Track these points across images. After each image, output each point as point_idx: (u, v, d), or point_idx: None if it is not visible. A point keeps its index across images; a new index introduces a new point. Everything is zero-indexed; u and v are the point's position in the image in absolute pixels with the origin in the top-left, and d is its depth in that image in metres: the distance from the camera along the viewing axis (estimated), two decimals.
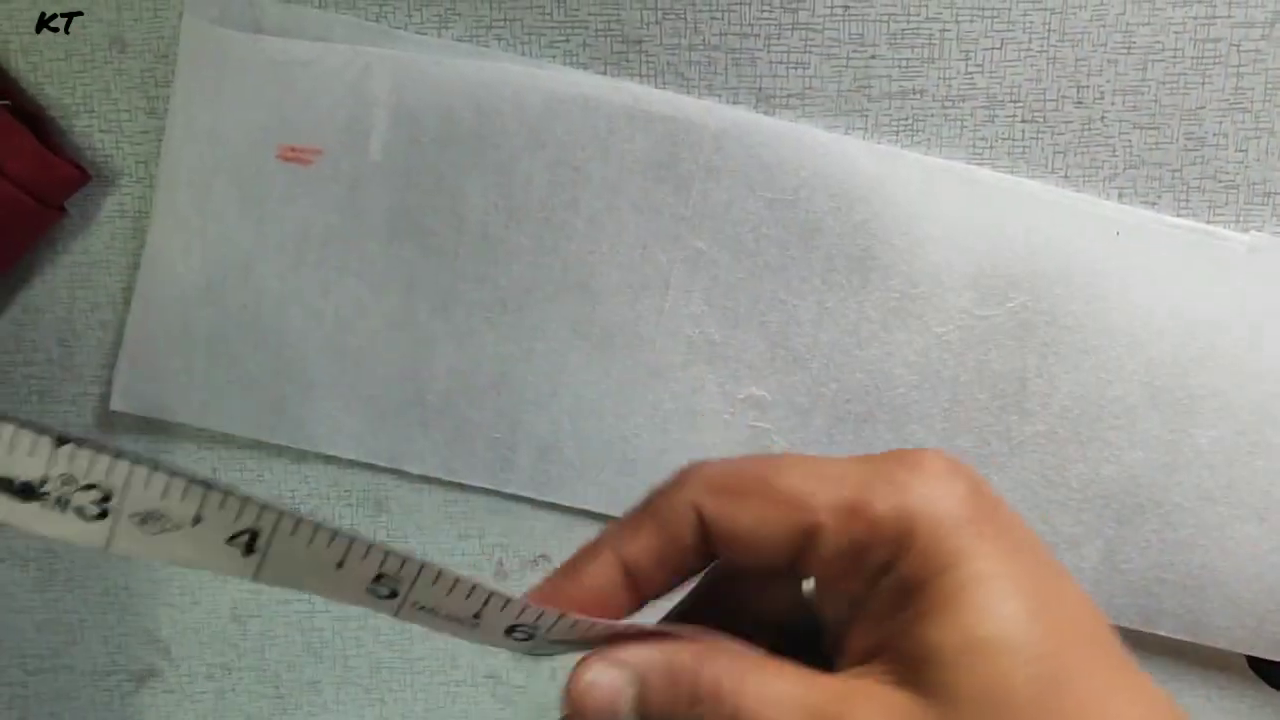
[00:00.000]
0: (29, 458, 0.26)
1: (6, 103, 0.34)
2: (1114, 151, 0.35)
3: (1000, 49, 0.34)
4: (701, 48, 0.35)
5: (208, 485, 0.26)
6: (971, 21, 0.34)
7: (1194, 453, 0.35)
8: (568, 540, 0.38)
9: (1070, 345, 0.35)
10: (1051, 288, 0.35)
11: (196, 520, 0.26)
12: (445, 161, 0.35)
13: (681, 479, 0.27)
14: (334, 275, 0.36)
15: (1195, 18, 0.34)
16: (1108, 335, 0.35)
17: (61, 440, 0.26)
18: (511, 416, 0.36)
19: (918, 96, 0.35)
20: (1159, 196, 0.35)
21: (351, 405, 0.36)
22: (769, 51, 0.34)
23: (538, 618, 0.27)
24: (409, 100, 0.34)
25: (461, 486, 0.37)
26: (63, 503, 0.26)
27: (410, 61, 0.34)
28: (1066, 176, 0.35)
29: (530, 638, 0.27)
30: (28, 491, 0.26)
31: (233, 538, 0.26)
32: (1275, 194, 0.35)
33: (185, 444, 0.38)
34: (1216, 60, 0.34)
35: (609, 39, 0.35)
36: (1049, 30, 0.34)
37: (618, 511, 0.36)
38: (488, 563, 0.38)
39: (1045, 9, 0.34)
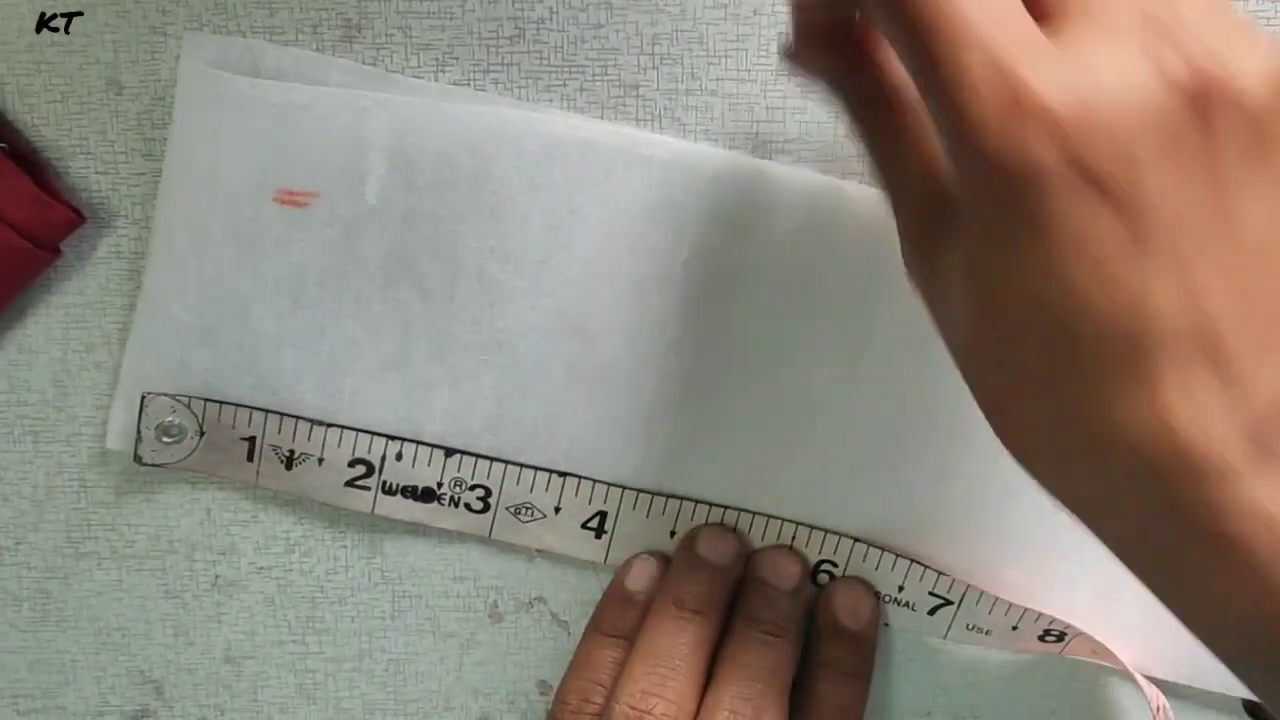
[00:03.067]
0: (427, 468, 0.36)
1: (3, 145, 0.34)
2: None
3: None
4: (699, 93, 0.35)
5: (564, 475, 0.36)
6: None
7: None
8: (562, 583, 0.38)
9: None
10: None
11: (557, 509, 0.36)
12: (442, 205, 0.35)
13: None
14: (330, 317, 0.36)
15: None
16: None
17: (450, 452, 0.36)
18: (506, 459, 0.36)
19: None
20: None
21: None
22: (766, 97, 0.34)
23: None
24: (405, 144, 0.34)
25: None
26: (455, 501, 0.36)
27: (407, 106, 0.34)
28: None
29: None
30: (428, 495, 0.36)
31: (585, 523, 0.36)
32: None
33: (180, 485, 0.38)
34: None
35: (606, 84, 0.35)
36: None
37: (615, 558, 0.36)
38: (482, 604, 0.38)
39: None
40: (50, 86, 0.35)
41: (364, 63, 0.35)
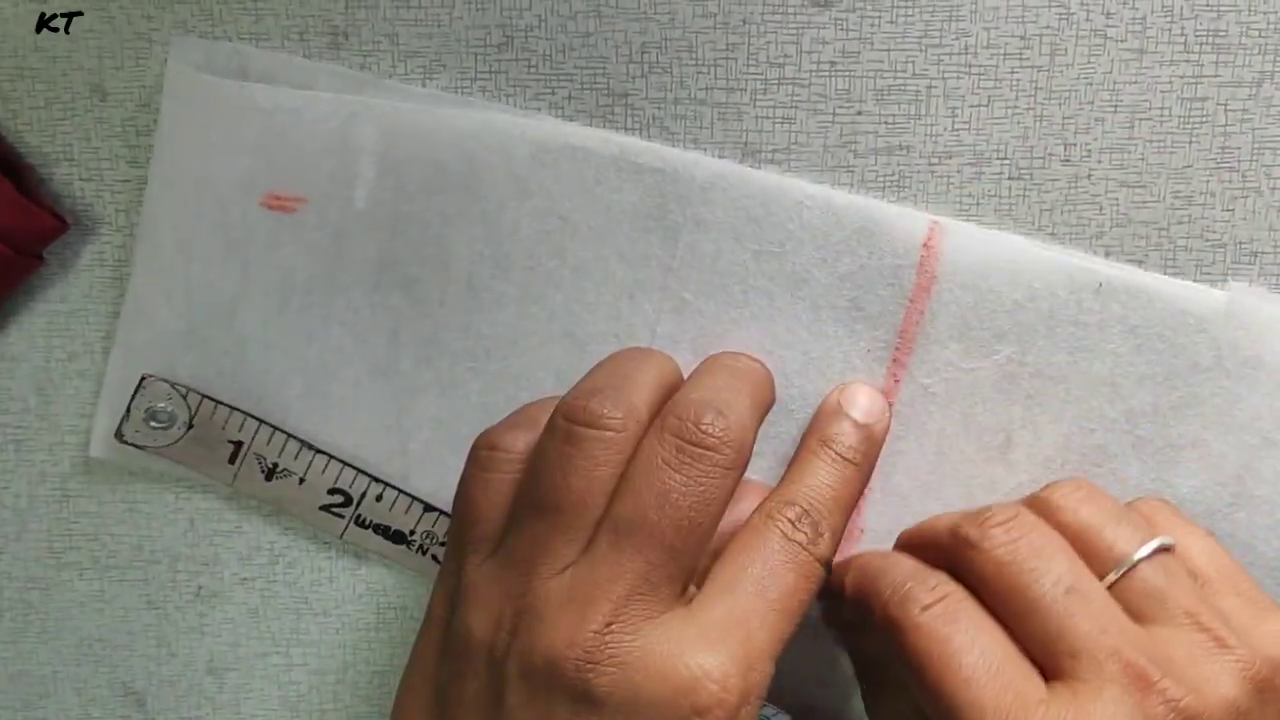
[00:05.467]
0: (404, 515, 0.36)
1: None
2: (1101, 209, 0.35)
3: (987, 106, 0.34)
4: (688, 101, 0.34)
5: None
6: (958, 78, 0.34)
7: (1175, 501, 0.34)
8: None
9: (1054, 396, 0.35)
10: (1036, 340, 0.35)
11: None
12: (431, 210, 0.34)
13: None
14: (318, 323, 0.35)
15: (1182, 77, 0.34)
16: (1090, 385, 0.35)
17: (429, 508, 0.36)
18: None
19: (904, 152, 0.34)
20: (1146, 255, 0.35)
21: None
22: (755, 106, 0.34)
23: None
24: (395, 149, 0.34)
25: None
26: (423, 550, 0.37)
27: (397, 111, 0.34)
28: (1053, 234, 0.35)
29: None
30: (399, 538, 0.36)
31: None
32: (1262, 253, 0.35)
33: (164, 494, 0.37)
34: (1204, 119, 0.34)
35: (595, 92, 0.34)
36: (1036, 88, 0.34)
37: None
38: None
39: (1032, 66, 0.34)
40: (34, 92, 0.35)
41: (351, 68, 0.34)
